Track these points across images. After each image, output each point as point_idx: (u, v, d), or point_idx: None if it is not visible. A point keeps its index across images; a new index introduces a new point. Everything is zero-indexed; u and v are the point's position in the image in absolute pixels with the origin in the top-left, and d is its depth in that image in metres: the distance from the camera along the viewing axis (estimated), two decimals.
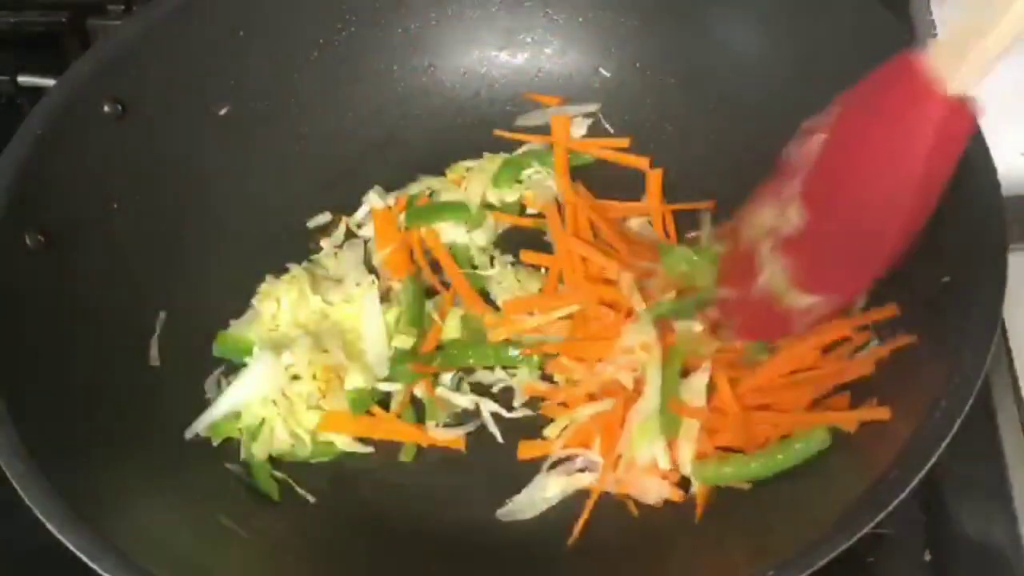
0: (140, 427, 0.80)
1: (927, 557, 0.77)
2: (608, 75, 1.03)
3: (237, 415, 0.84)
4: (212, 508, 0.78)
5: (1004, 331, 0.83)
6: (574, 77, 1.04)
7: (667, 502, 0.77)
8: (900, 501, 0.60)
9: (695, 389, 0.77)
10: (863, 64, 0.69)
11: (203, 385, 0.87)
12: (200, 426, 0.83)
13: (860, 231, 0.65)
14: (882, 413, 0.69)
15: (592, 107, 1.03)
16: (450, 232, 0.96)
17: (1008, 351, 0.83)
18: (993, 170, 0.71)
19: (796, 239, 0.68)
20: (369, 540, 0.80)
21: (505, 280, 0.92)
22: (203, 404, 0.85)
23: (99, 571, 0.62)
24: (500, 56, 1.05)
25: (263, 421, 0.83)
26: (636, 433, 0.76)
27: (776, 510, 0.72)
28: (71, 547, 0.63)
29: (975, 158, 0.72)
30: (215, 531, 0.76)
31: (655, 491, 0.77)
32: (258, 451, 0.83)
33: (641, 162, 0.99)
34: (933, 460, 0.61)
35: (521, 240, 0.96)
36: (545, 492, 0.79)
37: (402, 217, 0.97)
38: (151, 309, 0.88)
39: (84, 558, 0.63)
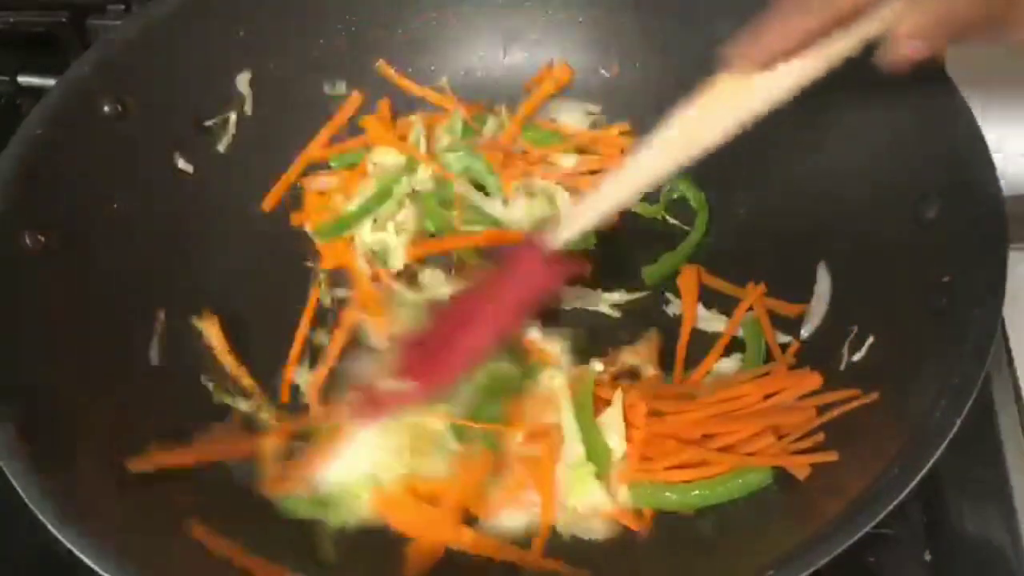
0: (140, 427, 0.80)
1: (927, 557, 0.77)
2: (608, 75, 1.03)
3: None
4: (214, 510, 0.78)
5: (1004, 331, 0.84)
6: (574, 77, 1.04)
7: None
8: (900, 501, 0.60)
9: (612, 425, 0.78)
10: (858, 59, 0.69)
11: (204, 385, 0.87)
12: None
13: (453, 340, 0.79)
14: (830, 456, 0.72)
15: (593, 108, 1.03)
16: None
17: (1008, 351, 0.83)
18: (993, 170, 0.71)
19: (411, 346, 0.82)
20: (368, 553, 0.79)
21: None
22: (204, 404, 0.86)
23: (99, 571, 0.62)
24: (501, 56, 1.05)
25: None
26: (572, 483, 0.78)
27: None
28: (71, 547, 0.63)
29: (975, 158, 0.72)
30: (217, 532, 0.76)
31: (602, 530, 0.78)
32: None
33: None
34: (933, 460, 0.61)
35: None
36: (508, 524, 0.79)
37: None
38: (151, 309, 0.88)
39: (84, 558, 0.63)
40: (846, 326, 0.81)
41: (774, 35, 0.65)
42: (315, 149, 1.01)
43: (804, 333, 0.85)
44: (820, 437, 0.74)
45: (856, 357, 0.78)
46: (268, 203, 0.99)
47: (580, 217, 0.76)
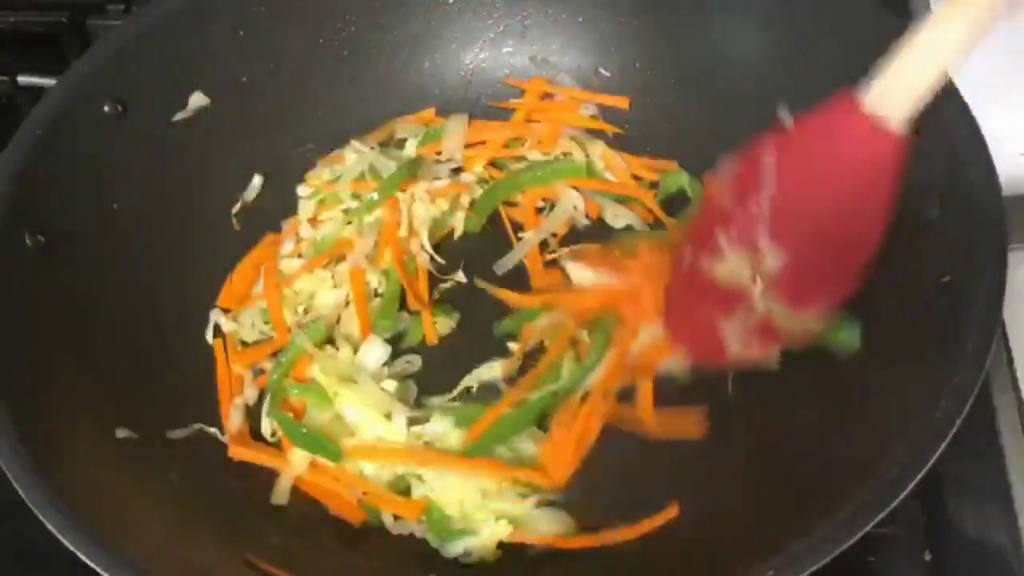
0: (141, 427, 0.80)
1: (927, 557, 0.77)
2: (608, 75, 1.03)
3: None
4: (214, 510, 0.78)
5: (1004, 331, 0.84)
6: (575, 77, 1.04)
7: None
8: (900, 501, 0.60)
9: None
10: (863, 63, 0.69)
11: (204, 385, 0.87)
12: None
13: (829, 255, 0.71)
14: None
15: (591, 109, 1.03)
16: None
17: (1008, 351, 0.83)
18: (993, 170, 0.71)
19: (780, 276, 0.72)
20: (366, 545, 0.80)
21: None
22: (204, 405, 0.86)
23: (99, 572, 0.62)
24: (501, 56, 1.05)
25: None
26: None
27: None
28: (71, 547, 0.63)
29: (975, 158, 0.72)
30: (216, 532, 0.76)
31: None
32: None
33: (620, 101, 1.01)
34: (933, 460, 0.61)
35: None
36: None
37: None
38: (152, 309, 0.88)
39: (84, 558, 0.63)
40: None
41: None
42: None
43: None
44: None
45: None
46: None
47: (912, 83, 0.65)
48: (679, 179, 0.97)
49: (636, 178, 0.99)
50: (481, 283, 0.93)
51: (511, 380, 0.87)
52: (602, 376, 0.84)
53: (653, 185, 0.99)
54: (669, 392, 0.84)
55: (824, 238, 0.70)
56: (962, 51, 0.64)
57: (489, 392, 0.87)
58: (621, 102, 1.01)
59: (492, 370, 0.87)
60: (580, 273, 0.91)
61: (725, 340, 0.75)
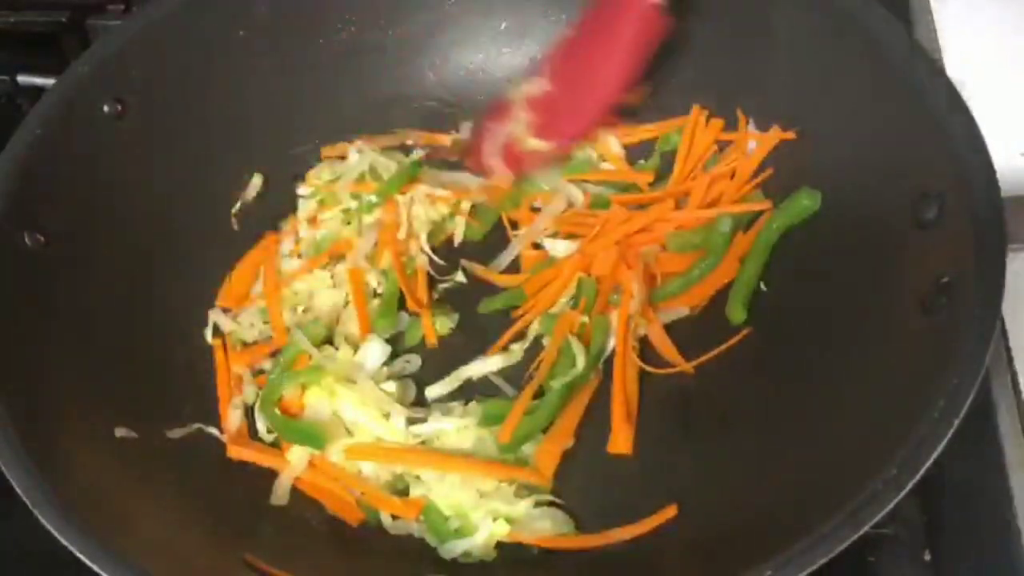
0: (141, 428, 0.80)
1: (927, 557, 0.77)
2: None
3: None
4: (213, 510, 0.78)
5: (1004, 331, 0.83)
6: None
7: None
8: (900, 501, 0.60)
9: None
10: (861, 60, 0.69)
11: (203, 385, 0.87)
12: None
13: (581, 96, 0.87)
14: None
15: None
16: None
17: (1008, 351, 0.83)
18: (993, 170, 0.71)
19: (540, 101, 0.89)
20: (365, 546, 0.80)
21: None
22: (203, 404, 0.86)
23: (99, 572, 0.62)
24: (501, 57, 1.05)
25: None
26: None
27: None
28: (70, 548, 0.63)
29: (975, 158, 0.72)
30: (215, 532, 0.76)
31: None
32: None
33: None
34: (933, 460, 0.61)
35: None
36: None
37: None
38: (151, 308, 0.88)
39: (83, 558, 0.63)
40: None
41: None
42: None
43: None
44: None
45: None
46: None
47: None
48: (672, 139, 0.99)
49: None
50: (466, 264, 0.94)
51: (510, 378, 0.87)
52: (621, 341, 0.86)
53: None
54: (668, 395, 0.85)
55: (583, 83, 0.87)
56: None
57: (489, 391, 0.87)
58: (646, 177, 0.99)
59: (490, 363, 0.88)
60: (557, 246, 0.94)
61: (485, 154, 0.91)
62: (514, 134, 0.89)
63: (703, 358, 0.85)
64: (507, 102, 0.91)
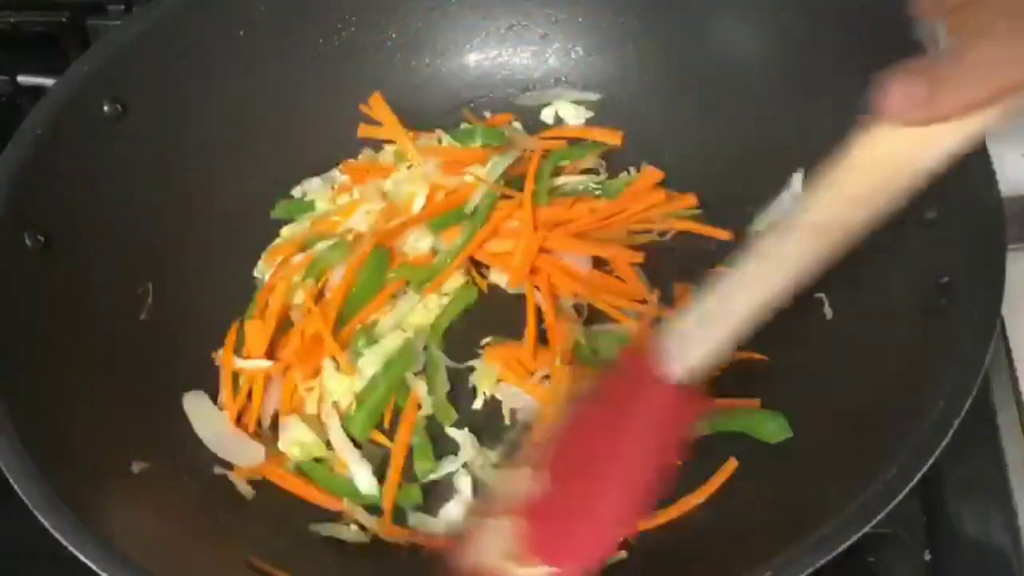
0: (141, 429, 0.80)
1: (927, 557, 0.77)
2: (608, 75, 1.03)
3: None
4: (214, 510, 0.78)
5: (1004, 331, 0.83)
6: (574, 77, 1.04)
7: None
8: (900, 501, 0.60)
9: None
10: (862, 63, 0.68)
11: (205, 387, 0.87)
12: None
13: (594, 504, 0.65)
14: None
15: (593, 96, 1.03)
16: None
17: (1008, 351, 0.83)
18: (993, 170, 0.71)
19: (532, 507, 0.65)
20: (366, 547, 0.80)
21: None
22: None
23: (98, 572, 0.62)
24: (500, 56, 1.05)
25: None
26: None
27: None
28: (70, 548, 0.63)
29: (975, 158, 0.72)
30: (215, 533, 0.76)
31: None
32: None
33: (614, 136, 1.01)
34: (933, 460, 0.61)
35: None
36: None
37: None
38: (152, 310, 0.88)
39: (83, 558, 0.63)
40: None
41: (965, 83, 0.53)
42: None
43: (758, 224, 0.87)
44: None
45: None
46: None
47: (706, 337, 0.63)
48: None
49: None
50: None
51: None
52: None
53: None
54: None
55: (599, 484, 0.65)
56: (755, 314, 0.61)
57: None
58: (614, 138, 1.01)
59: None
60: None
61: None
62: (487, 556, 0.64)
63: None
64: (489, 504, 0.69)
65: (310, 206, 0.99)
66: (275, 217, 0.99)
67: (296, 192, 1.00)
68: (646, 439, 0.64)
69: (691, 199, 0.96)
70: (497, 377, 0.87)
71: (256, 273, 0.95)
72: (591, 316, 0.91)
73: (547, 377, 0.86)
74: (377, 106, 1.01)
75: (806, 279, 0.60)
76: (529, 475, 0.66)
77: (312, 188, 1.00)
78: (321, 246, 0.94)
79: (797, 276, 0.60)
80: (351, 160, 1.01)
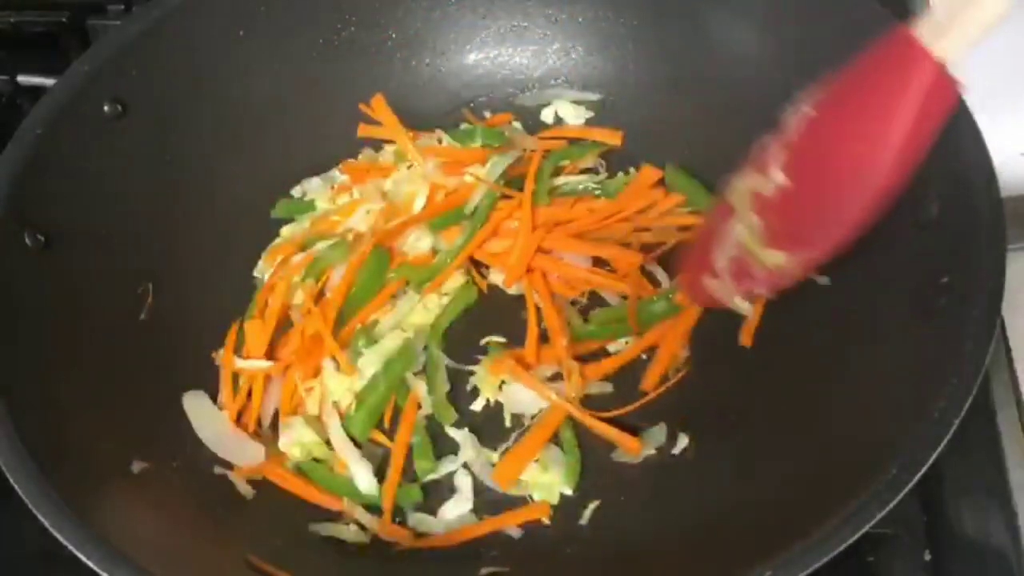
0: (141, 429, 0.80)
1: (927, 557, 0.77)
2: (608, 75, 1.03)
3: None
4: (214, 510, 0.78)
5: (1004, 331, 0.84)
6: (574, 77, 1.04)
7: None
8: (900, 501, 0.60)
9: None
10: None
11: (205, 387, 0.87)
12: None
13: (835, 194, 0.66)
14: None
15: (593, 95, 1.04)
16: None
17: (1008, 351, 0.83)
18: (992, 169, 0.71)
19: (774, 201, 0.69)
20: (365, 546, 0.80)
21: None
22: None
23: (98, 571, 0.62)
24: (500, 56, 1.05)
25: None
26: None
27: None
28: (71, 548, 0.63)
29: (975, 158, 0.72)
30: (215, 533, 0.76)
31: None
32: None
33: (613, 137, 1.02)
34: (933, 460, 0.61)
35: None
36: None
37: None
38: (152, 310, 0.88)
39: (84, 558, 0.63)
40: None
41: None
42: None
43: None
44: None
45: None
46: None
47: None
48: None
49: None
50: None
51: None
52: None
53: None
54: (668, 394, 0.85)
55: (840, 176, 0.65)
56: None
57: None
58: (614, 138, 1.01)
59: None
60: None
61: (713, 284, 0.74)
62: (742, 242, 0.70)
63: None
64: (728, 204, 0.72)
65: (310, 206, 0.99)
66: (275, 217, 0.99)
67: (296, 192, 1.01)
68: (893, 127, 0.62)
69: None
70: (500, 381, 0.87)
71: (256, 273, 0.96)
72: (590, 303, 0.92)
73: (551, 378, 0.86)
74: (377, 106, 1.01)
75: None
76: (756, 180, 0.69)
77: (312, 188, 1.00)
78: (321, 246, 0.94)
79: None
80: (351, 160, 1.01)
